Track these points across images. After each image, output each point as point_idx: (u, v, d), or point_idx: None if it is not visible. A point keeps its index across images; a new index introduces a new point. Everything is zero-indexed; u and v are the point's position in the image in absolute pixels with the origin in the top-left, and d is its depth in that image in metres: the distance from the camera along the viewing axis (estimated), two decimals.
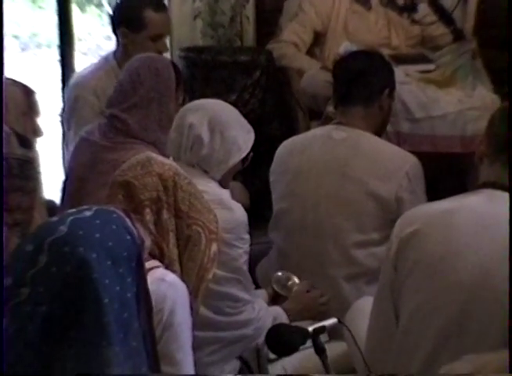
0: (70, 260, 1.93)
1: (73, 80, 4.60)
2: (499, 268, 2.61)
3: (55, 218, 2.03)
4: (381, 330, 2.78)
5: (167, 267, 2.68)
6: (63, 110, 4.72)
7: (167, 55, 4.75)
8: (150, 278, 2.29)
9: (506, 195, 2.69)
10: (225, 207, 3.16)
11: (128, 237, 2.03)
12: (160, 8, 4.73)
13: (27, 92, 3.51)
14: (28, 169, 2.85)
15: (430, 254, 2.73)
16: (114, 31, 4.54)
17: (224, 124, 3.27)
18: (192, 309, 2.69)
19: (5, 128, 2.75)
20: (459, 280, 2.67)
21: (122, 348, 1.93)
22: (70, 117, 4.36)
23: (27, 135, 3.43)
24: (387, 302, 2.79)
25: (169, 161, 2.89)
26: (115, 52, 4.49)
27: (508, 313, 1.75)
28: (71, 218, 2.00)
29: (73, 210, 2.05)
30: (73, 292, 1.92)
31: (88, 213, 2.03)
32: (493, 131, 2.83)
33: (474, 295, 2.64)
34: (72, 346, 1.91)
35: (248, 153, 3.32)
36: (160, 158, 2.88)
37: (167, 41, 4.65)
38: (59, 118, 5.02)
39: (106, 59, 4.52)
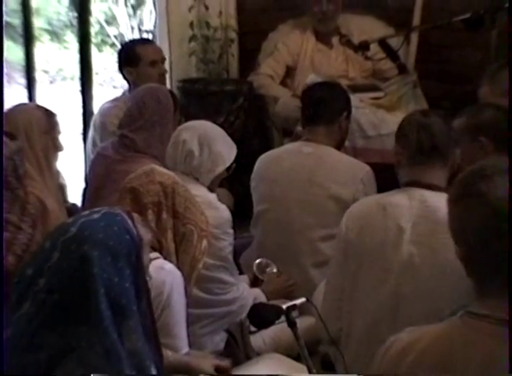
0: (76, 256, 1.92)
1: (99, 109, 4.59)
2: (423, 255, 2.62)
3: (69, 220, 2.02)
4: (333, 298, 2.80)
5: (165, 258, 2.69)
6: (84, 130, 4.72)
7: (167, 85, 4.74)
8: (152, 267, 2.28)
9: (426, 192, 2.72)
10: (213, 208, 3.15)
11: (127, 237, 2.00)
12: (147, 41, 4.80)
13: (49, 115, 3.49)
14: None
15: (369, 241, 2.74)
16: (122, 73, 4.57)
17: (211, 141, 3.27)
18: (186, 291, 2.70)
19: None
20: (391, 263, 2.68)
21: (118, 328, 1.92)
22: (96, 140, 4.35)
23: (48, 150, 3.43)
24: (338, 275, 2.84)
25: (169, 172, 2.89)
26: (128, 88, 4.51)
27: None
28: (82, 220, 1.98)
29: (86, 212, 2.03)
30: (78, 283, 1.91)
31: (96, 216, 2.01)
32: (404, 135, 2.84)
33: (403, 278, 2.65)
34: (77, 327, 1.90)
35: (231, 164, 3.33)
36: (162, 169, 2.88)
37: (167, 73, 4.65)
38: (81, 137, 5.02)
39: (123, 93, 4.54)
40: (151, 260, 2.28)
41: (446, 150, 2.79)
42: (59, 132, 3.52)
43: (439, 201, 2.53)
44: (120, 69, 4.56)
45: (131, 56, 4.48)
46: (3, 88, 3.37)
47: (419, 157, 2.78)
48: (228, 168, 3.33)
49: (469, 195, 1.77)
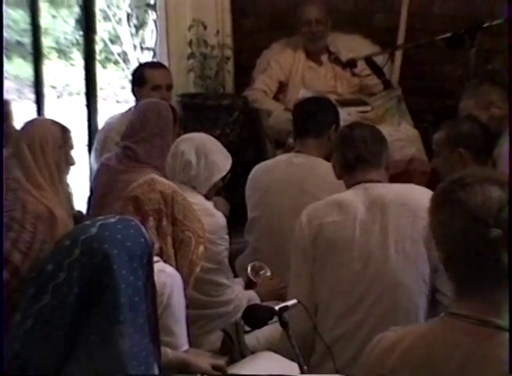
0: (97, 253, 1.93)
1: (103, 125, 4.61)
2: (379, 251, 2.69)
3: (87, 222, 2.04)
4: (302, 290, 2.81)
5: (165, 261, 2.68)
6: (89, 142, 4.72)
7: None
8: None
9: (367, 184, 2.86)
10: (209, 215, 3.15)
11: (142, 240, 2.04)
12: (156, 65, 4.78)
13: (63, 130, 3.48)
14: None
15: (330, 241, 2.79)
16: (133, 92, 4.58)
17: (208, 152, 3.27)
18: (185, 293, 2.70)
19: None
20: (349, 260, 2.73)
21: (132, 324, 1.93)
22: (101, 151, 4.34)
23: (61, 164, 3.43)
24: (301, 276, 2.88)
25: (169, 182, 2.89)
26: (135, 105, 4.50)
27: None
28: (100, 222, 2.01)
29: (102, 217, 2.06)
30: (99, 278, 1.93)
31: (112, 219, 2.04)
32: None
33: (361, 272, 2.71)
34: (95, 320, 1.91)
35: (227, 174, 3.33)
36: (163, 179, 2.88)
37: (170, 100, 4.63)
38: (86, 148, 5.02)
39: (130, 109, 4.54)
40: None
41: (372, 156, 2.92)
42: (71, 147, 3.51)
43: (381, 188, 2.82)
44: (132, 88, 4.60)
45: (139, 78, 4.51)
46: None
47: (349, 165, 2.97)
48: (223, 178, 3.33)
49: (449, 202, 1.78)
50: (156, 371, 2.02)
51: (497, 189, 1.73)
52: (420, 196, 2.66)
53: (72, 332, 1.92)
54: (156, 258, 2.59)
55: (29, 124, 3.50)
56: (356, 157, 2.92)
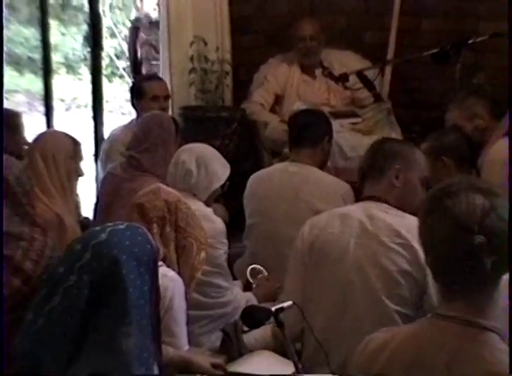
0: (106, 258, 1.94)
1: (108, 135, 4.61)
2: (370, 262, 2.65)
3: (97, 228, 2.05)
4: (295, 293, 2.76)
5: (168, 266, 2.68)
6: (96, 152, 4.71)
7: (170, 112, 4.75)
8: None
9: (373, 203, 2.77)
10: (209, 220, 3.15)
11: (149, 246, 2.04)
12: (152, 77, 4.79)
13: (75, 143, 3.50)
14: None
15: (325, 250, 2.76)
16: (133, 104, 4.58)
17: (207, 161, 3.28)
18: (186, 296, 2.70)
19: None
20: (341, 268, 2.69)
21: (137, 326, 1.94)
22: (106, 160, 4.35)
23: (71, 174, 3.43)
24: (298, 274, 2.83)
25: (173, 190, 2.88)
26: (136, 117, 4.51)
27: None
28: (110, 229, 2.01)
29: (111, 223, 2.06)
30: (107, 282, 1.94)
31: (121, 226, 2.05)
32: (364, 162, 2.92)
33: (353, 280, 2.66)
34: (103, 321, 1.92)
35: (225, 182, 3.33)
36: (167, 188, 2.88)
37: (168, 109, 4.65)
38: (92, 158, 5.02)
39: (131, 121, 4.55)
40: None
41: (382, 168, 2.81)
42: (81, 159, 3.52)
43: (383, 213, 2.70)
44: (132, 101, 4.59)
45: (138, 90, 4.52)
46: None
47: (364, 176, 2.87)
48: (222, 186, 3.33)
49: (437, 209, 1.79)
50: (156, 371, 2.02)
51: (481, 197, 1.74)
52: (413, 225, 2.60)
53: (80, 332, 1.93)
54: (159, 263, 2.59)
55: (42, 136, 3.54)
56: (361, 170, 2.88)
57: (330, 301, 2.72)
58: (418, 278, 2.56)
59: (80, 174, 3.53)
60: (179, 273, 2.69)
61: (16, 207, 2.50)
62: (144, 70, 5.99)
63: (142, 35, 6.24)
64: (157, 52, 5.64)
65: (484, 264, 1.69)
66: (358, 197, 3.34)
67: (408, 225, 2.61)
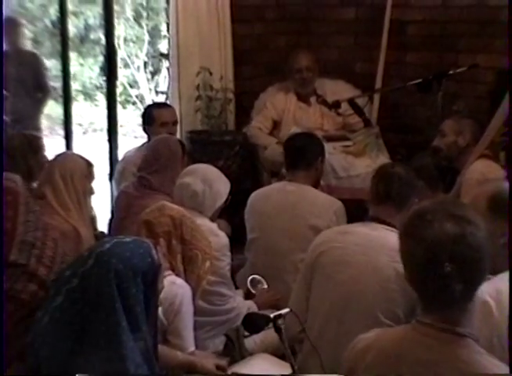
0: (105, 266, 1.96)
1: (122, 157, 4.62)
2: (370, 277, 2.63)
3: (106, 239, 2.08)
4: (295, 308, 2.76)
5: (176, 275, 2.69)
6: (111, 172, 4.72)
7: (178, 135, 4.76)
8: (165, 281, 2.32)
9: (380, 225, 2.75)
10: (214, 235, 3.14)
11: (149, 260, 2.05)
12: (162, 105, 4.81)
13: (88, 164, 3.54)
14: None
15: (329, 262, 2.75)
16: (144, 129, 4.60)
17: (211, 182, 3.27)
18: (193, 303, 2.70)
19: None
20: (342, 279, 2.69)
21: (132, 328, 1.95)
22: (120, 180, 4.36)
23: (86, 191, 3.46)
24: (303, 284, 2.84)
25: (178, 207, 2.89)
26: (147, 141, 4.50)
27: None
28: (115, 240, 2.05)
29: (121, 236, 2.10)
30: (103, 288, 1.95)
31: (127, 239, 2.07)
32: (371, 182, 2.89)
33: (351, 291, 2.66)
34: (101, 324, 1.94)
35: (227, 198, 3.33)
36: (172, 205, 2.89)
37: (176, 132, 4.65)
38: (107, 177, 5.03)
39: (143, 144, 4.54)
40: (165, 276, 2.31)
41: (400, 197, 2.79)
42: (93, 179, 3.55)
43: (385, 233, 2.69)
44: (144, 127, 4.61)
45: (148, 117, 4.53)
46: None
47: (377, 200, 2.83)
48: (225, 201, 3.34)
49: (412, 236, 1.78)
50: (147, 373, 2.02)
51: (453, 226, 1.72)
52: None
53: (80, 333, 1.94)
54: (168, 272, 2.61)
55: (61, 156, 3.58)
56: (386, 194, 2.82)
57: (327, 310, 2.71)
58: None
59: (91, 192, 3.57)
60: (186, 282, 2.70)
61: (28, 214, 2.52)
62: None
63: None
64: None
65: (453, 289, 1.69)
66: (350, 213, 3.37)
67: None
